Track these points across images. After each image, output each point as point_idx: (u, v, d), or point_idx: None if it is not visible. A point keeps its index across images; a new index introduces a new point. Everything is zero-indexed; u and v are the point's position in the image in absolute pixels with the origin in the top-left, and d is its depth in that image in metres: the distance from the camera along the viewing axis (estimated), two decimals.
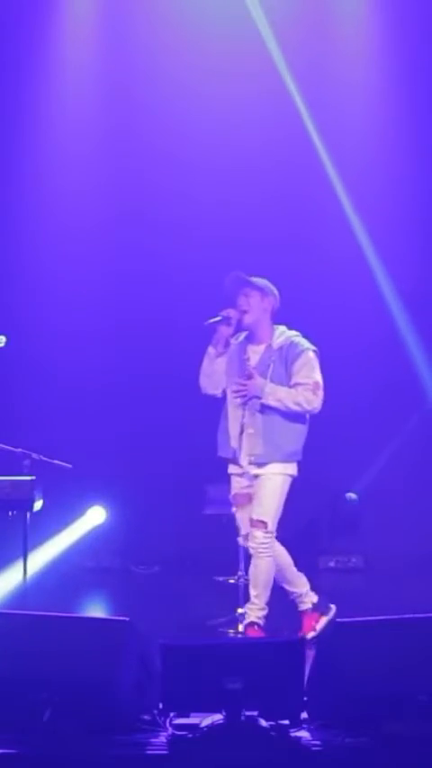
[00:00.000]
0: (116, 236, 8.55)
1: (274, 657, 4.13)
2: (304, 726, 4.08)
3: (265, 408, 5.84)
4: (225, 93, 8.43)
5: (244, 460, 5.90)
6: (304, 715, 4.11)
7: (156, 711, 4.14)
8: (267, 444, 5.83)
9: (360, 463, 8.50)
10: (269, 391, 5.82)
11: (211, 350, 5.92)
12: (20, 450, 5.87)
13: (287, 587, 5.96)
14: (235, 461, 5.95)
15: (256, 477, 5.89)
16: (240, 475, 5.95)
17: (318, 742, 4.01)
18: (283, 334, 5.98)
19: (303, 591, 5.99)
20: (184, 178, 8.47)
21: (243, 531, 5.98)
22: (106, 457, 7.57)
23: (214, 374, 5.95)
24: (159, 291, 8.53)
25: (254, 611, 5.86)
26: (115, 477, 7.11)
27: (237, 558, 6.57)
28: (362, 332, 8.61)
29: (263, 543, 5.80)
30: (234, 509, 6.02)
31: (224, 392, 5.99)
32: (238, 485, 5.98)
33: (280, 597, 7.13)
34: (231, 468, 6.00)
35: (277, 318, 6.03)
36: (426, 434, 8.56)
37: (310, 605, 5.96)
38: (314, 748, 3.98)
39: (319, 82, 8.56)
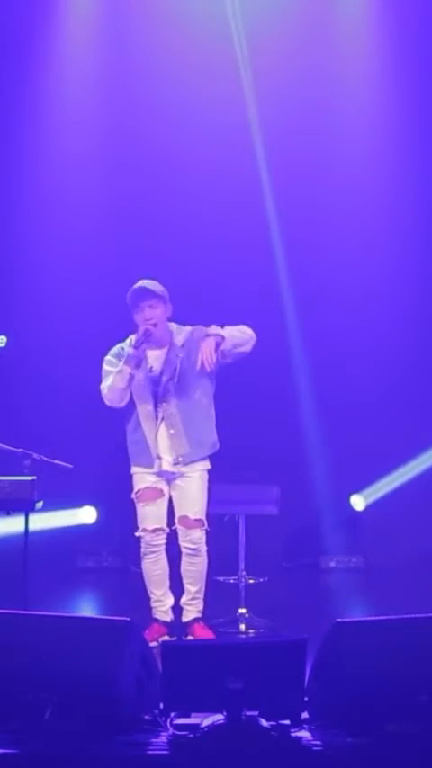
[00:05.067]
0: (117, 236, 8.53)
1: (274, 657, 4.13)
2: (305, 726, 4.09)
3: (180, 405, 5.93)
4: (225, 92, 8.42)
5: (166, 463, 5.95)
6: (305, 715, 4.12)
7: (156, 711, 4.14)
8: (192, 441, 5.94)
9: (360, 463, 8.49)
10: (217, 331, 5.90)
11: (125, 368, 5.91)
12: (20, 450, 5.86)
13: (199, 587, 6.02)
14: (151, 466, 5.97)
15: (178, 474, 5.95)
16: (152, 473, 5.99)
17: (318, 742, 4.01)
18: (180, 331, 6.07)
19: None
20: (184, 178, 8.46)
21: (152, 526, 5.99)
22: (107, 456, 7.55)
23: (128, 390, 5.96)
24: None
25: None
26: (115, 476, 7.05)
27: (237, 558, 6.57)
28: (367, 332, 8.59)
29: (203, 541, 5.97)
30: (142, 504, 6.02)
31: (131, 402, 6.00)
32: (148, 480, 6.01)
33: (281, 598, 7.12)
34: (139, 468, 6.04)
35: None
36: (426, 434, 8.55)
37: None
38: (315, 748, 3.99)
39: (319, 81, 8.55)
